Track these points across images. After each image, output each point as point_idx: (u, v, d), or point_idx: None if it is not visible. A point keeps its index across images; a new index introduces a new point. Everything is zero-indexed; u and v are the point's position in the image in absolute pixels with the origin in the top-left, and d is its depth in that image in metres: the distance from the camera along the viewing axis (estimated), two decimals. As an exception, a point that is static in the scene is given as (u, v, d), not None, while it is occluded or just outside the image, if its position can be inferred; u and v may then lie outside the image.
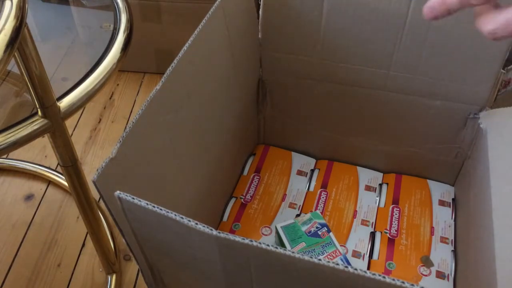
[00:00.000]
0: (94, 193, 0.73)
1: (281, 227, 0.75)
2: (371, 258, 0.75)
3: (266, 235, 0.78)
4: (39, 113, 0.62)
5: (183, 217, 0.40)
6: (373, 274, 0.36)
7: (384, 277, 0.36)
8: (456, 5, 0.36)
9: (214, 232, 0.39)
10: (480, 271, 0.60)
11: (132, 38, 0.73)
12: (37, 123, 0.61)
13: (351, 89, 0.78)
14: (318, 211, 0.80)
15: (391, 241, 0.77)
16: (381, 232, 0.78)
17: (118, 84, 1.34)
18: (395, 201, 0.82)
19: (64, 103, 0.64)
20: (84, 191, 0.75)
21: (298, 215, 0.81)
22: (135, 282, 0.93)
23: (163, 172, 0.57)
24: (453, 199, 0.82)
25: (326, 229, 0.75)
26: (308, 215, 0.77)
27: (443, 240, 0.77)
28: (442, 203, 0.82)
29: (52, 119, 0.62)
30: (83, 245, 0.98)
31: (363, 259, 0.75)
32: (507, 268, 0.52)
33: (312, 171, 0.88)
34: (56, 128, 0.63)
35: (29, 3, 0.51)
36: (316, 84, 0.79)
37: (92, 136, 1.20)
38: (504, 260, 0.53)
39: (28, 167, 1.12)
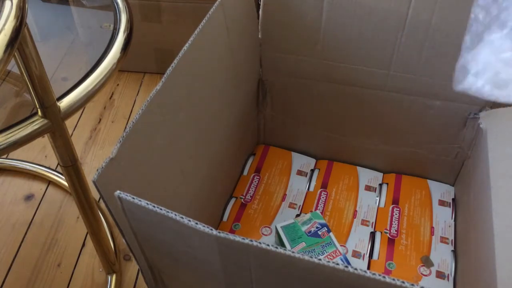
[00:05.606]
0: (94, 193, 0.73)
1: (281, 227, 0.75)
2: (371, 258, 0.75)
3: (266, 235, 0.78)
4: (39, 113, 0.62)
5: (183, 217, 0.40)
6: (373, 274, 0.36)
7: (384, 277, 0.36)
8: None
9: (214, 232, 0.39)
10: (480, 271, 0.60)
11: (132, 38, 0.73)
12: (37, 123, 0.61)
13: (351, 89, 0.78)
14: (318, 211, 0.80)
15: (391, 241, 0.77)
16: (381, 232, 0.78)
17: (118, 84, 1.34)
18: (395, 201, 0.82)
19: (64, 103, 0.64)
20: (84, 191, 0.75)
21: (298, 215, 0.81)
22: (135, 282, 0.93)
23: (163, 172, 0.57)
24: (453, 199, 0.82)
25: (326, 229, 0.75)
26: (308, 215, 0.77)
27: (443, 240, 0.77)
28: (442, 203, 0.82)
29: (52, 119, 0.62)
30: (83, 245, 0.98)
31: (363, 259, 0.75)
32: (507, 268, 0.52)
33: (312, 171, 0.88)
34: (56, 128, 0.63)
35: (29, 3, 0.51)
36: (316, 84, 0.79)
37: (92, 136, 1.20)
38: (504, 260, 0.53)
39: (28, 167, 1.11)
